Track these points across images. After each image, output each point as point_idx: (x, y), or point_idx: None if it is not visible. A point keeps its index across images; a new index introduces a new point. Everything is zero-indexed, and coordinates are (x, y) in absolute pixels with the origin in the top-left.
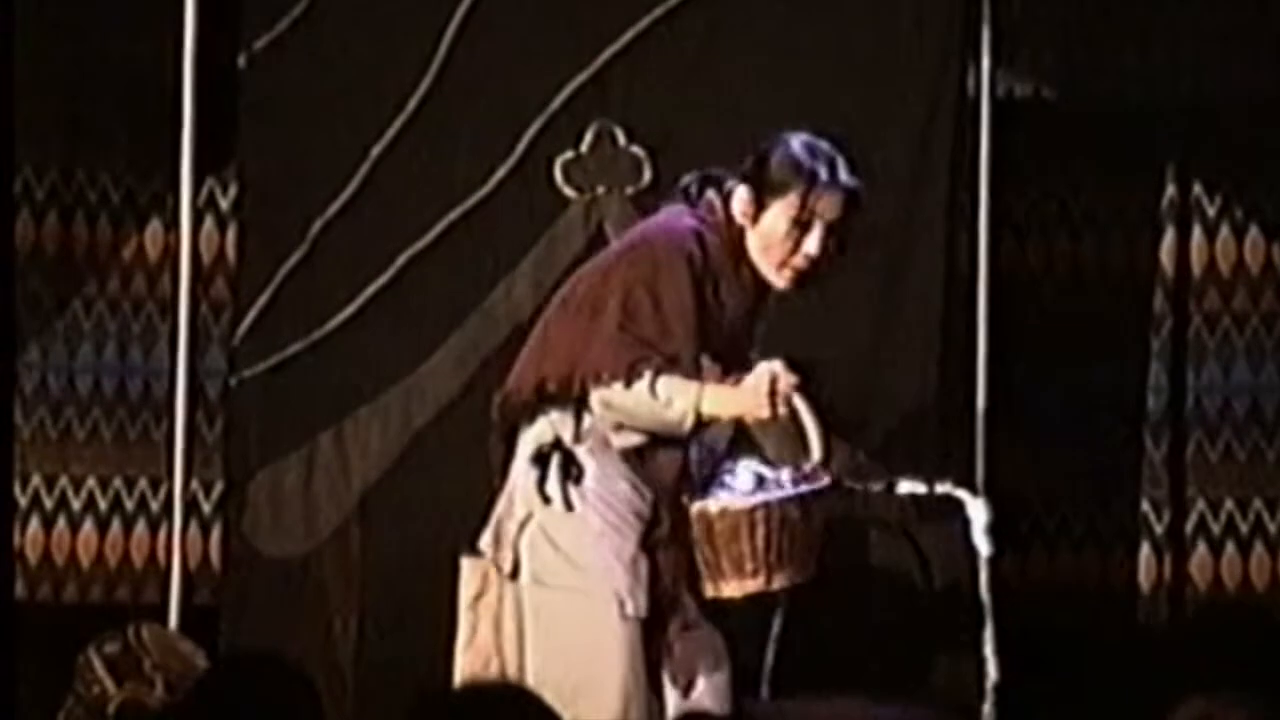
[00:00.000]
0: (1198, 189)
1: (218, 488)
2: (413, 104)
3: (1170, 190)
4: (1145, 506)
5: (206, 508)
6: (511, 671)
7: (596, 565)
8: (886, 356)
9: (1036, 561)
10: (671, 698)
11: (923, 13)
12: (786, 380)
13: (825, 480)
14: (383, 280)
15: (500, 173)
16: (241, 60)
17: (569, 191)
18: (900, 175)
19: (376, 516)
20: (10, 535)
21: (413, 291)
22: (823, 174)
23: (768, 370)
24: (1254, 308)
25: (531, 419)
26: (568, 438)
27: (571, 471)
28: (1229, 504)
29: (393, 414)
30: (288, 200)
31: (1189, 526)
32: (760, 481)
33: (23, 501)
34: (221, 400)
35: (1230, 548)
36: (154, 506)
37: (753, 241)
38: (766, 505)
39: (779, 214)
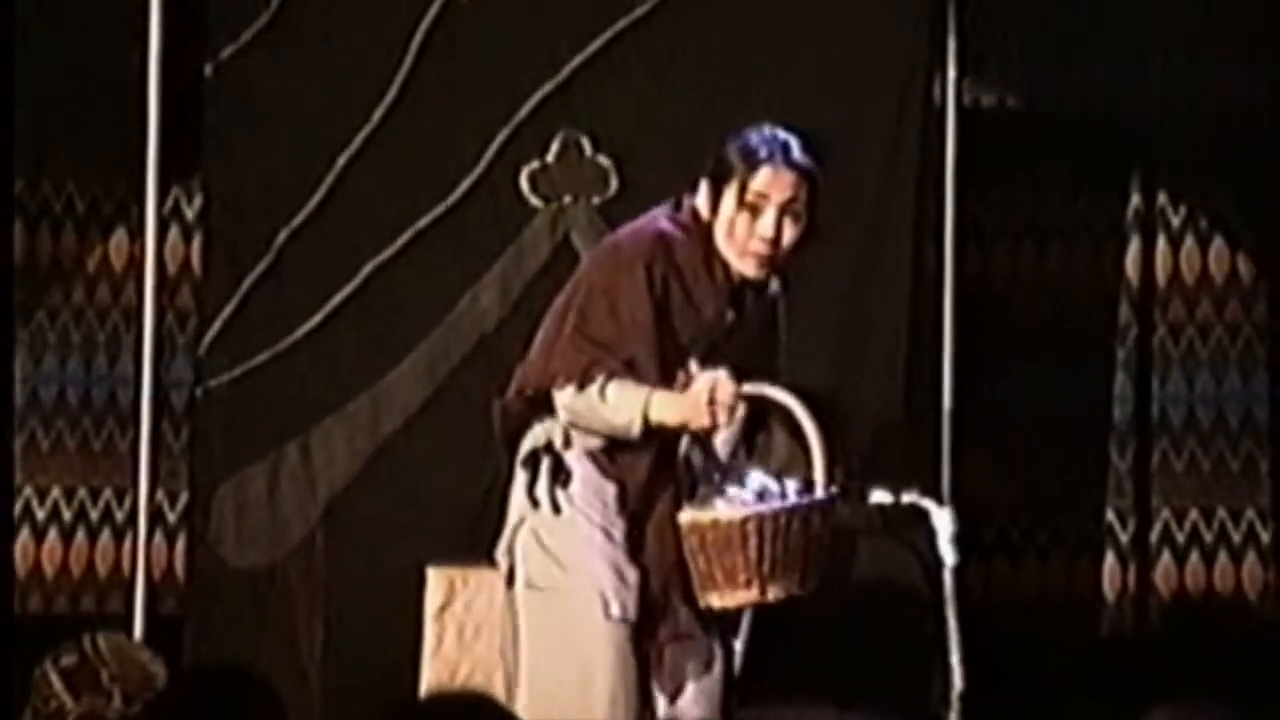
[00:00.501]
0: (1163, 199)
1: (183, 498)
2: (379, 114)
3: (1135, 200)
4: (1110, 516)
5: (172, 518)
6: (510, 672)
7: (583, 568)
8: (853, 365)
9: (1001, 571)
10: (660, 704)
11: (889, 22)
12: (726, 390)
13: (820, 493)
14: (349, 290)
15: (466, 182)
16: (207, 69)
17: (535, 201)
18: (867, 184)
19: (343, 526)
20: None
21: (379, 301)
22: (763, 154)
23: (708, 379)
24: (1218, 318)
25: (528, 424)
26: (558, 442)
27: (560, 475)
28: (1193, 513)
29: (359, 424)
30: (253, 210)
31: (1153, 536)
32: (760, 493)
33: None
34: (187, 410)
35: (1194, 557)
36: (119, 516)
37: (717, 234)
38: (759, 517)
39: (729, 200)
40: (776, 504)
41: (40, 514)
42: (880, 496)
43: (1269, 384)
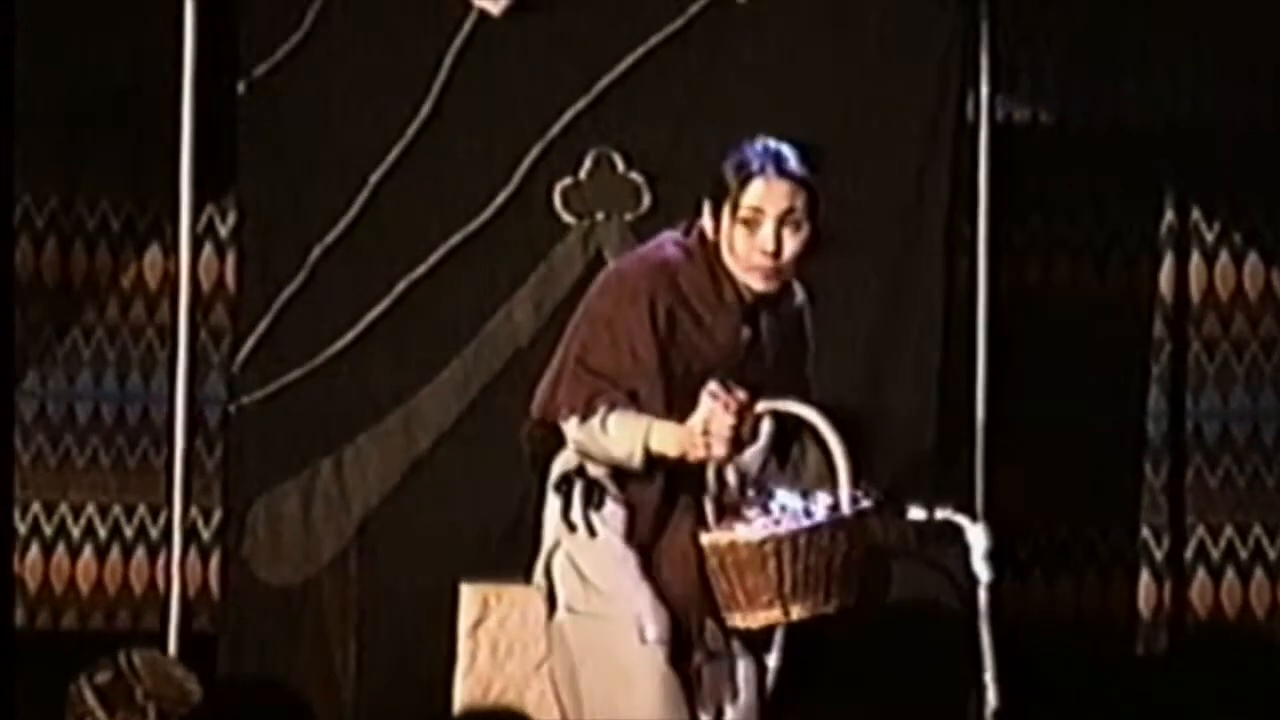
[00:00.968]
0: (1196, 214)
1: (217, 515)
2: (412, 130)
3: (1169, 216)
4: (1145, 533)
5: (206, 535)
6: (566, 700)
7: (619, 591)
8: (886, 381)
9: (1036, 588)
10: None
11: (922, 38)
12: (721, 422)
13: (844, 510)
14: (382, 307)
15: (499, 199)
16: (241, 87)
17: (568, 218)
18: (900, 200)
19: (376, 543)
20: (10, 562)
21: (412, 318)
22: (755, 166)
23: (704, 410)
24: (1253, 333)
25: (557, 448)
26: (594, 466)
27: (594, 498)
28: (1229, 530)
29: (392, 440)
30: (287, 227)
31: (1189, 553)
32: (785, 512)
33: (22, 529)
34: (221, 427)
35: (1230, 574)
36: (153, 533)
37: (723, 251)
38: (777, 538)
39: (728, 215)
40: (794, 524)
41: (75, 531)
42: (915, 513)
43: None
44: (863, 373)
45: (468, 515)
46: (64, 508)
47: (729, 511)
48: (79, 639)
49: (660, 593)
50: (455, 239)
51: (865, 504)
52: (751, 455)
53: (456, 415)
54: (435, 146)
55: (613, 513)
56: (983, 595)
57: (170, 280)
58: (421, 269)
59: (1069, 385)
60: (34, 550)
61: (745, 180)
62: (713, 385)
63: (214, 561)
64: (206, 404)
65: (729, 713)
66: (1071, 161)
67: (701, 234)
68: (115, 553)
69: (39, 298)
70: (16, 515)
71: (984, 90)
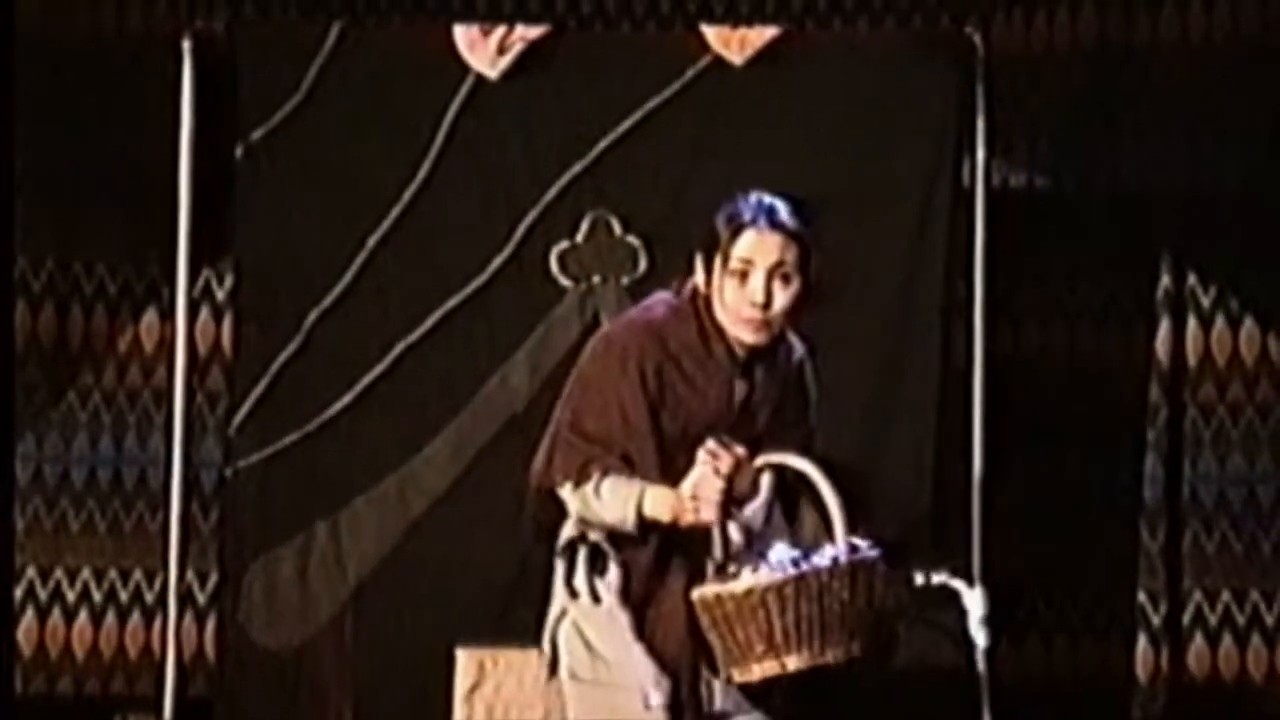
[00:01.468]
0: (1192, 279)
1: (212, 578)
2: (408, 194)
3: (1165, 280)
4: (1142, 597)
5: (201, 598)
6: None
7: (623, 660)
8: (882, 445)
9: (1033, 653)
10: None
11: (918, 103)
12: (710, 485)
13: (835, 558)
14: (378, 370)
15: (496, 262)
16: (238, 151)
17: (565, 281)
18: (896, 264)
19: (372, 607)
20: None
21: (408, 381)
22: (746, 218)
23: (694, 476)
24: (1249, 399)
25: (563, 514)
26: (593, 531)
27: (597, 564)
28: (1225, 595)
29: (389, 504)
30: (283, 290)
31: (1186, 618)
32: (776, 565)
33: (18, 593)
34: (217, 491)
35: (1227, 639)
36: (149, 598)
37: (714, 304)
38: (762, 587)
39: (719, 267)
40: (778, 574)
41: (71, 595)
42: (915, 577)
43: None
44: (859, 436)
45: (464, 579)
46: (59, 572)
47: (727, 568)
48: (74, 704)
49: (655, 653)
50: (452, 303)
51: (863, 554)
52: (753, 510)
53: (452, 479)
54: (432, 210)
55: (614, 576)
56: (980, 660)
57: (167, 344)
58: (418, 333)
59: (1065, 449)
60: (29, 615)
61: (736, 231)
62: (710, 444)
63: (210, 625)
64: (202, 467)
65: None
66: (1067, 226)
67: (693, 290)
68: (111, 617)
69: (35, 361)
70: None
71: (980, 155)
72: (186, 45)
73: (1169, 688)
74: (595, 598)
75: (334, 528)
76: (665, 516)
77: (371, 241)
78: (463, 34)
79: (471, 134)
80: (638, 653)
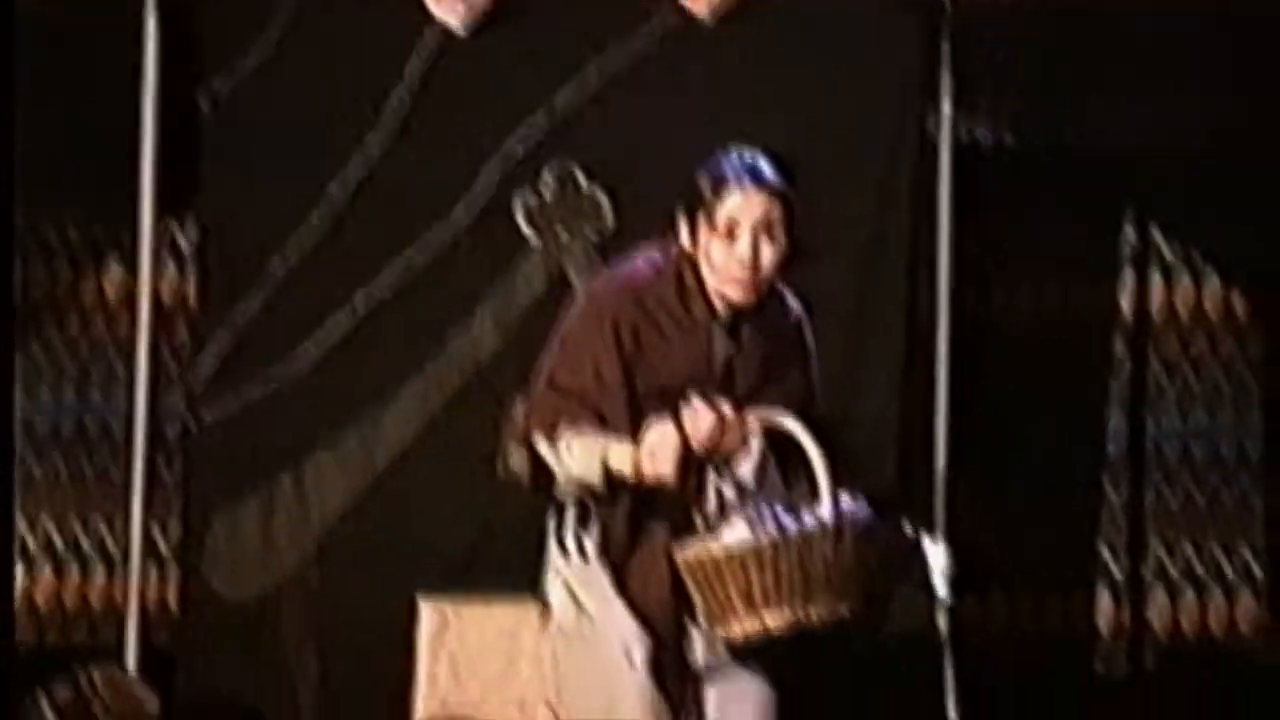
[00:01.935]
0: (1157, 234)
1: (176, 530)
2: (374, 147)
3: (1130, 235)
4: (1104, 551)
5: (165, 550)
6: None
7: (608, 617)
8: (847, 401)
9: (996, 606)
10: None
11: (884, 57)
12: (667, 443)
13: (822, 517)
14: (343, 323)
15: (461, 215)
16: (203, 103)
17: (529, 234)
18: (862, 220)
19: (336, 559)
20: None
21: (373, 334)
22: (730, 178)
23: (656, 432)
24: (1213, 353)
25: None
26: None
27: (585, 522)
28: (1187, 549)
29: (353, 456)
30: (249, 243)
31: (1147, 571)
32: (763, 522)
33: None
34: (180, 442)
35: (1189, 593)
36: (112, 549)
37: (702, 265)
38: (742, 547)
39: (704, 227)
40: (760, 534)
41: (33, 545)
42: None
43: (1263, 419)
44: (824, 392)
45: (428, 531)
46: (21, 523)
47: (714, 526)
48: (36, 655)
49: (636, 610)
50: (417, 256)
51: (850, 514)
52: (745, 468)
53: (417, 432)
54: (397, 163)
55: (596, 533)
56: (942, 613)
57: (131, 295)
58: (382, 285)
59: (1030, 404)
60: None
61: (721, 192)
62: (695, 401)
63: (173, 577)
64: (167, 419)
65: None
66: (1033, 181)
67: (677, 248)
68: (74, 568)
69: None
70: None
71: (946, 110)
72: None
73: (1130, 641)
74: (583, 554)
75: (298, 480)
76: (629, 470)
77: (336, 193)
78: None
79: (437, 86)
80: (619, 609)
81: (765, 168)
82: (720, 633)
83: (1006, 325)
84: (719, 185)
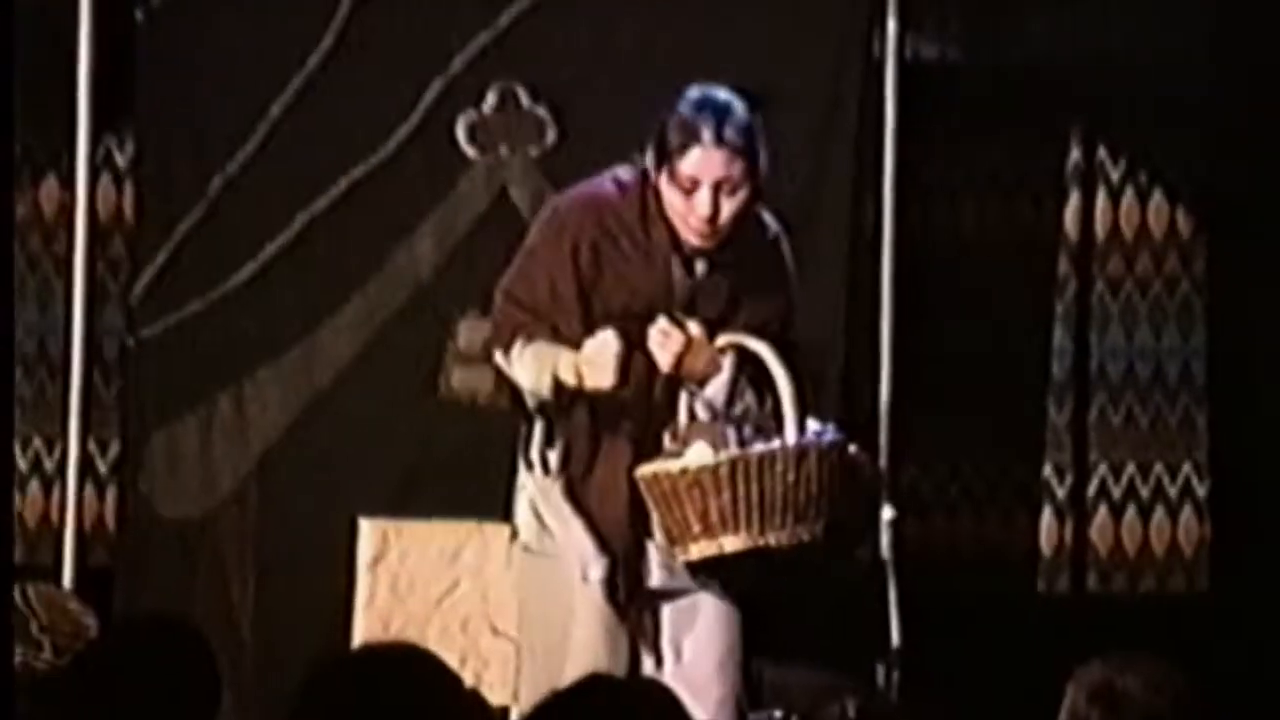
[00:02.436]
0: (1102, 153)
1: (114, 448)
2: (313, 62)
3: (1075, 154)
4: (1047, 470)
5: (102, 468)
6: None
7: (566, 531)
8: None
9: (938, 525)
10: (667, 662)
11: None
12: (606, 351)
13: (788, 439)
14: (283, 240)
15: (402, 132)
16: (139, 16)
17: (471, 152)
18: (807, 139)
19: (275, 478)
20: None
21: (313, 252)
22: (693, 133)
23: (596, 341)
24: (1157, 272)
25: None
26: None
27: (550, 437)
28: (1131, 468)
29: (293, 375)
30: (186, 158)
31: (1091, 491)
32: (725, 443)
33: None
34: (119, 360)
35: (1131, 512)
36: (49, 466)
37: (664, 201)
38: (699, 468)
39: (666, 173)
40: (718, 454)
41: None
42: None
43: (1207, 338)
44: None
45: (368, 450)
46: None
47: (682, 444)
48: None
49: (593, 527)
50: (357, 172)
51: (813, 438)
52: (714, 389)
53: (358, 350)
54: (338, 78)
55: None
56: (885, 532)
57: (67, 211)
58: (323, 202)
59: (974, 322)
60: None
61: (684, 147)
62: (661, 322)
63: (110, 495)
64: (104, 336)
65: (686, 652)
66: (978, 99)
67: (643, 172)
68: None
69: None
70: None
71: (892, 28)
72: None
73: (1073, 560)
74: (546, 470)
75: (237, 398)
76: (573, 380)
77: (276, 109)
78: None
79: (380, 4)
80: (577, 526)
81: (730, 123)
82: (678, 553)
83: (951, 244)
84: (682, 139)
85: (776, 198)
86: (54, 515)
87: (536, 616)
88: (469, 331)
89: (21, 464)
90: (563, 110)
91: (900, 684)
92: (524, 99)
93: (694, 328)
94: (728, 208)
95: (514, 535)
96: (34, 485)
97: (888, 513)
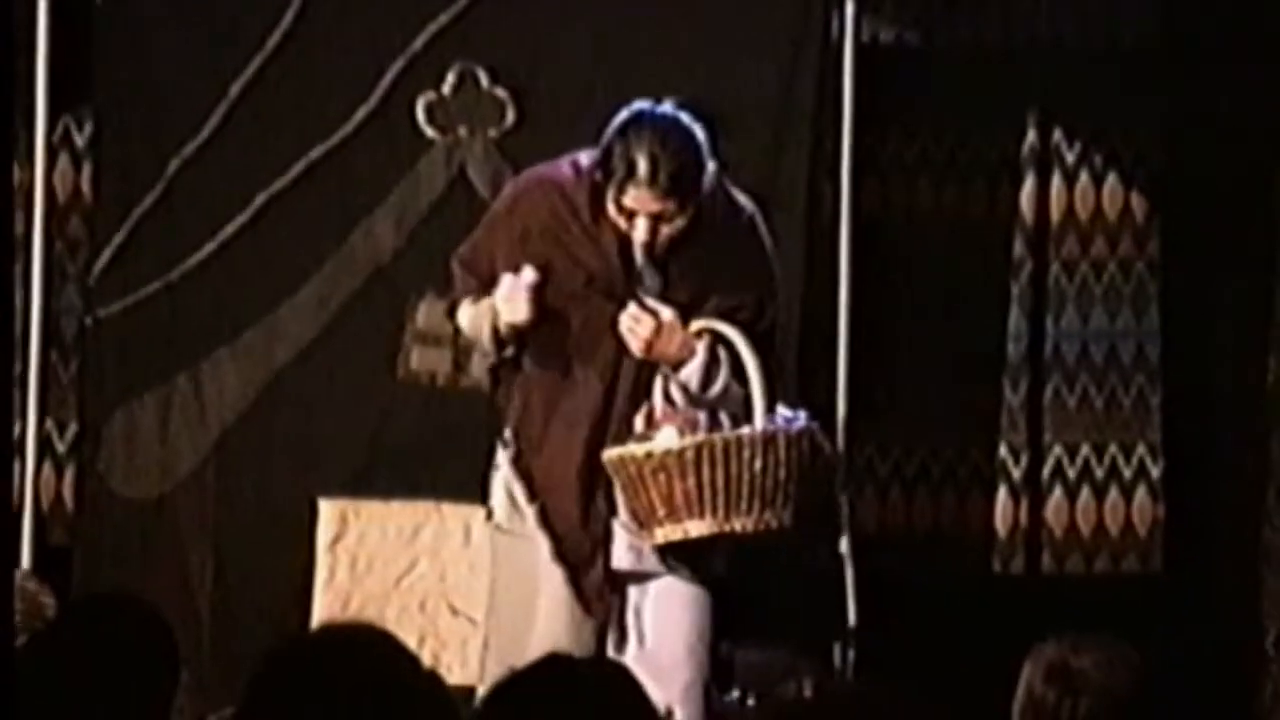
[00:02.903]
0: (1058, 135)
1: (72, 427)
2: (272, 42)
3: (1031, 136)
4: (1003, 451)
5: (61, 447)
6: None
7: (529, 510)
8: None
9: (895, 505)
10: (633, 648)
11: None
12: (518, 285)
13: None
14: (241, 220)
15: (361, 113)
16: None
17: (431, 133)
18: (764, 120)
19: (234, 458)
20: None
21: (272, 232)
22: (633, 170)
23: (510, 281)
24: (1111, 254)
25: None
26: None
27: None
28: (1085, 449)
29: (251, 355)
30: (144, 138)
31: (1046, 471)
32: (697, 427)
33: None
34: (77, 339)
35: (1086, 493)
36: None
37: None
38: (664, 452)
39: (612, 194)
40: (684, 439)
41: None
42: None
43: (1161, 320)
44: None
45: (327, 431)
46: None
47: (651, 426)
48: None
49: (540, 505)
50: (316, 153)
51: (783, 424)
52: (690, 372)
53: (316, 331)
54: (297, 58)
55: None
56: (843, 511)
57: (25, 190)
58: (281, 182)
59: (930, 304)
60: None
61: (621, 181)
62: (631, 308)
63: (69, 475)
64: (62, 315)
65: (654, 635)
66: (935, 81)
67: (595, 164)
68: None
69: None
70: None
71: (849, 9)
72: None
73: (1028, 540)
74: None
75: (196, 378)
76: (494, 322)
77: (234, 89)
78: None
79: None
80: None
81: (666, 157)
82: (645, 536)
83: (908, 225)
84: (621, 174)
85: (735, 181)
86: (13, 495)
87: (504, 596)
88: (428, 312)
89: None
90: (522, 91)
91: (856, 663)
92: (483, 80)
93: (665, 312)
94: (665, 231)
95: (489, 515)
96: None
97: (843, 491)
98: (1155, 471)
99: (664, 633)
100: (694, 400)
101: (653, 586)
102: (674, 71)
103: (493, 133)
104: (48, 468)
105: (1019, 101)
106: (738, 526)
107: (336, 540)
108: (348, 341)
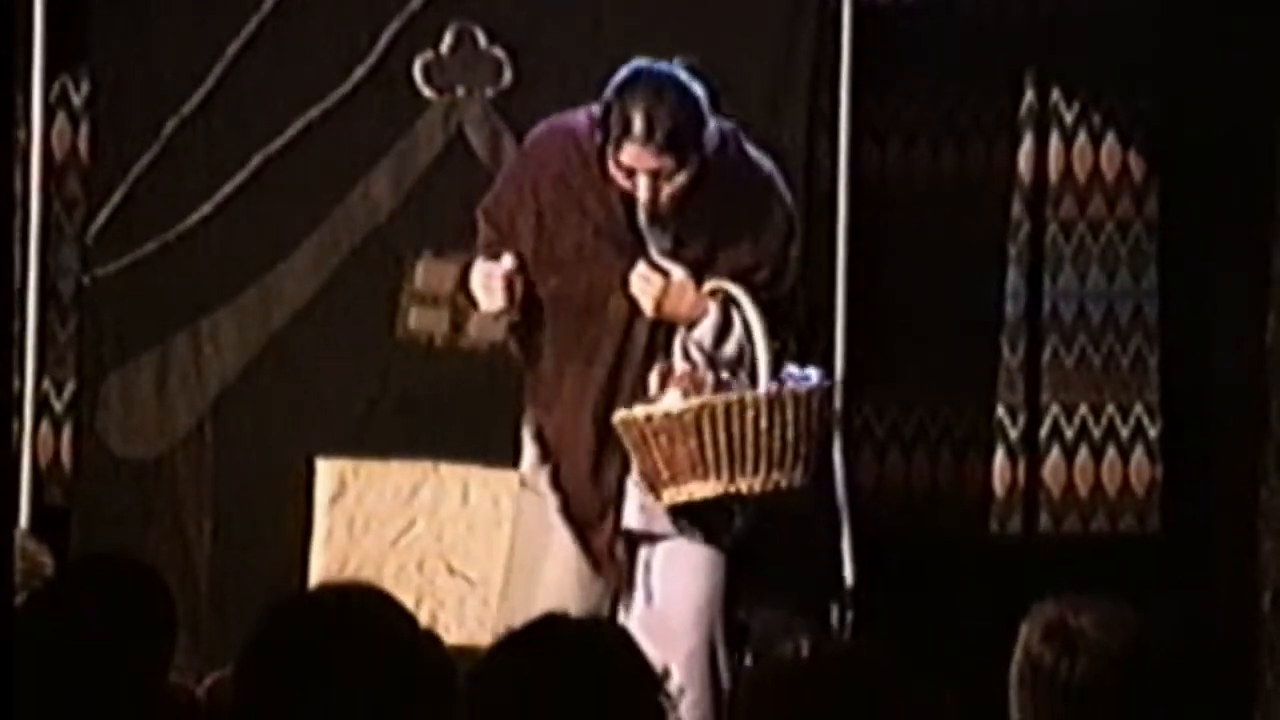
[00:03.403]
0: (1056, 95)
1: (70, 387)
2: (270, 2)
3: (1029, 96)
4: (1000, 411)
5: (59, 407)
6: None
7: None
8: None
9: (893, 465)
10: (639, 609)
11: None
12: (493, 272)
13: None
14: (239, 180)
15: (359, 72)
16: None
17: (428, 93)
18: (762, 82)
19: (231, 417)
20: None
21: (269, 192)
22: (629, 129)
23: (481, 270)
24: (1109, 214)
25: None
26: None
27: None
28: (1083, 409)
29: (249, 315)
30: (142, 97)
31: (1043, 432)
32: (704, 388)
33: None
34: (75, 299)
35: (1083, 453)
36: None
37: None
38: (665, 413)
39: (612, 153)
40: (688, 400)
41: None
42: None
43: (1158, 280)
44: None
45: (325, 391)
46: None
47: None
48: None
49: (551, 464)
50: (314, 112)
51: (795, 384)
52: (704, 331)
53: (314, 290)
54: (295, 17)
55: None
56: (839, 472)
57: (22, 149)
58: (279, 142)
59: (928, 265)
60: None
61: (619, 139)
62: (641, 267)
63: (66, 434)
64: (60, 275)
65: (662, 596)
66: (932, 43)
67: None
68: None
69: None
70: None
71: None
72: None
73: (1025, 500)
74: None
75: (194, 338)
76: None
77: (232, 49)
78: None
79: None
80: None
81: (662, 115)
82: (652, 497)
83: (905, 186)
84: (618, 131)
85: None
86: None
87: (519, 552)
88: (426, 272)
89: None
90: (519, 51)
91: (854, 624)
92: (481, 39)
93: (676, 271)
94: (667, 190)
95: (523, 482)
96: None
97: (839, 453)
98: (1153, 431)
99: (672, 595)
100: (710, 359)
101: (663, 547)
102: (672, 32)
103: (490, 92)
104: (45, 427)
105: (1016, 62)
106: (744, 487)
107: (334, 500)
108: (345, 301)
